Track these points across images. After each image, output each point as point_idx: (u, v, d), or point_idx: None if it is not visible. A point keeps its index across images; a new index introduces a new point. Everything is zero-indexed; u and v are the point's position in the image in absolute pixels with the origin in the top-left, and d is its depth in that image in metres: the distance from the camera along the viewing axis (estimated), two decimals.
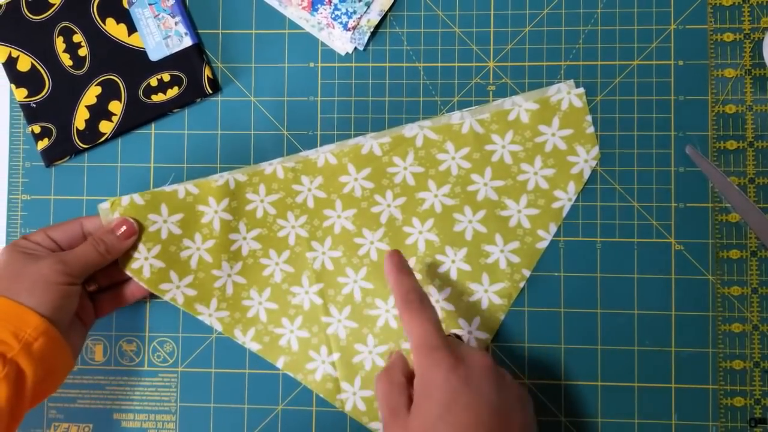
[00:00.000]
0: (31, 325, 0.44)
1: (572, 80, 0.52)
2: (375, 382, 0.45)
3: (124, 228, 0.50)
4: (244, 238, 0.53)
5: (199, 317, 0.53)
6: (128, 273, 0.52)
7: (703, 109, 0.52)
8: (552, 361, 0.52)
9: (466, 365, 0.42)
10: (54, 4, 0.55)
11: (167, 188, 0.52)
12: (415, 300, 0.45)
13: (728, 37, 0.52)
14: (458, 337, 0.50)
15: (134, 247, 0.51)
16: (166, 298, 0.52)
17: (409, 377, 0.44)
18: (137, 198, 0.51)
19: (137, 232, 0.51)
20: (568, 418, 0.52)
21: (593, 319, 0.52)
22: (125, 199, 0.51)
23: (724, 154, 0.52)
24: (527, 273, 0.52)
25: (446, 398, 0.40)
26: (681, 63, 0.52)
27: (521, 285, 0.52)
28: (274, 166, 0.53)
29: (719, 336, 0.51)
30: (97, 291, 0.52)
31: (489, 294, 0.52)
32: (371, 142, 0.53)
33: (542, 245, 0.52)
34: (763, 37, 0.51)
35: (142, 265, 0.52)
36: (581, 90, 0.52)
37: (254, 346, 0.53)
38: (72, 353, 0.48)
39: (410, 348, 0.44)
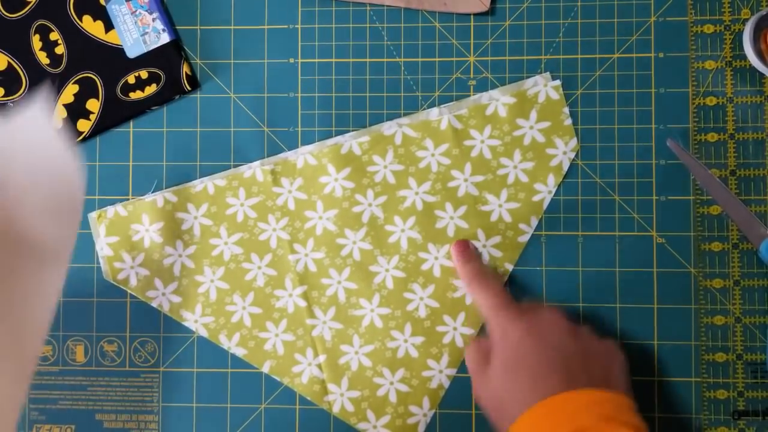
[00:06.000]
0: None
1: (548, 72, 0.52)
2: (465, 350, 0.51)
3: None
4: (226, 243, 0.53)
5: (185, 323, 0.53)
6: (115, 283, 0.53)
7: (683, 102, 0.52)
8: None
9: (530, 317, 0.47)
10: (30, 2, 0.54)
11: (147, 199, 0.53)
12: (479, 274, 0.50)
13: (709, 28, 0.52)
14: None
15: (119, 257, 0.53)
16: (153, 305, 0.53)
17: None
18: (121, 209, 0.53)
19: None
20: None
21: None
22: (110, 211, 0.53)
23: (705, 147, 0.52)
24: (510, 267, 0.52)
25: (512, 346, 0.46)
26: (661, 55, 0.52)
27: (504, 279, 0.52)
28: (254, 169, 0.53)
29: (701, 329, 0.51)
30: None
31: None
32: (350, 142, 0.53)
33: (524, 239, 0.52)
34: (743, 29, 0.51)
35: (129, 274, 0.53)
36: (557, 82, 0.52)
37: (239, 351, 0.53)
38: None
39: (483, 315, 0.50)
